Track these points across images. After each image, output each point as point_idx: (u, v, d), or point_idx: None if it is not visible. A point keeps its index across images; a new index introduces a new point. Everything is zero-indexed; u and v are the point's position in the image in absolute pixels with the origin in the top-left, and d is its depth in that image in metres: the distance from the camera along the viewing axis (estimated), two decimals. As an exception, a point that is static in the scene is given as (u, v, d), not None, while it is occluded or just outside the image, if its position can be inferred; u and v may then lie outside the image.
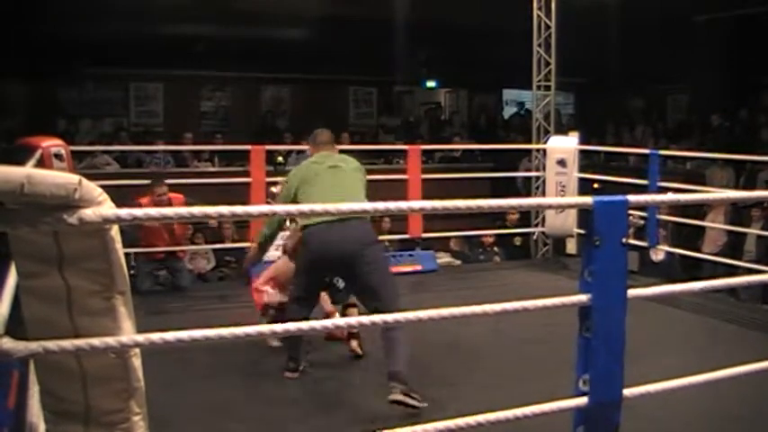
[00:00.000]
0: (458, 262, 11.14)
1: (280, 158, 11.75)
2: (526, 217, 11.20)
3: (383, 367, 4.97)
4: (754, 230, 9.93)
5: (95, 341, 2.17)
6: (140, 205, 8.05)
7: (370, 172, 9.03)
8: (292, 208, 2.79)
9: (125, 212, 2.21)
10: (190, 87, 16.71)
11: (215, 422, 4.86)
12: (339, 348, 6.10)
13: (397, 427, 2.79)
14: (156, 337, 2.39)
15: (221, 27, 14.93)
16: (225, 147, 12.99)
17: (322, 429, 4.81)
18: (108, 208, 2.13)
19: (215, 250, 10.17)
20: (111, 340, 2.20)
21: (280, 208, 2.82)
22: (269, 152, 9.38)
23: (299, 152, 13.05)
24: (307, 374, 5.65)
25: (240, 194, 8.33)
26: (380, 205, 2.75)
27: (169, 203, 8.13)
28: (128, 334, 2.25)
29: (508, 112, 20.00)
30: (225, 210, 2.50)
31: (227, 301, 7.84)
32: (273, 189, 9.79)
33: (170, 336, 2.47)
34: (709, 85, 16.05)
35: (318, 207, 2.69)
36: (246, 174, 8.83)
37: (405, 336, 5.04)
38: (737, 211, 10.84)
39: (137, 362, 2.32)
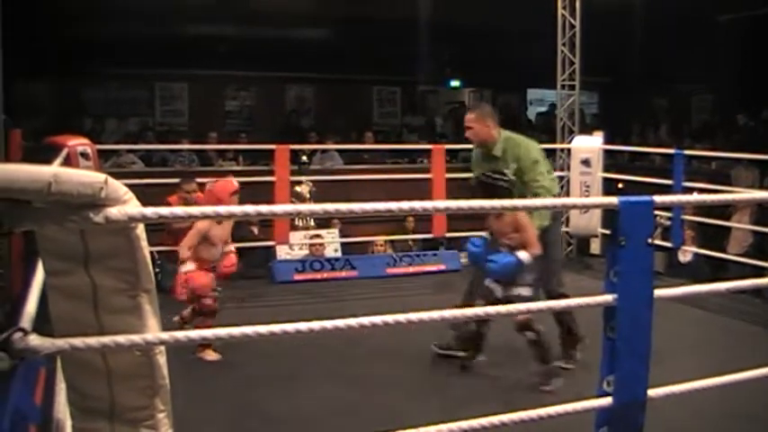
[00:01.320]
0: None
1: (304, 158, 11.79)
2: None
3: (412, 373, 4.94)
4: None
5: (121, 338, 2.18)
6: (168, 204, 8.11)
7: (394, 171, 8.99)
8: (316, 207, 2.79)
9: (151, 211, 2.22)
10: (214, 87, 16.77)
11: (237, 422, 4.88)
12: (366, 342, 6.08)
13: (420, 426, 2.79)
14: (180, 335, 2.40)
15: (245, 27, 15.00)
16: (249, 146, 13.01)
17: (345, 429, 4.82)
18: (134, 206, 2.14)
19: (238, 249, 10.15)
20: (136, 338, 2.21)
21: (303, 207, 2.82)
22: (293, 151, 9.40)
23: (324, 151, 13.08)
24: (337, 374, 5.66)
25: (265, 193, 8.34)
26: (405, 205, 2.75)
27: (196, 202, 8.17)
28: (153, 332, 2.26)
29: (532, 111, 19.95)
30: (251, 209, 2.50)
31: (251, 300, 7.86)
32: (297, 188, 9.85)
33: (194, 334, 2.48)
34: (734, 84, 15.95)
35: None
36: (271, 173, 8.85)
37: None
38: (763, 212, 10.75)
39: (162, 359, 2.33)
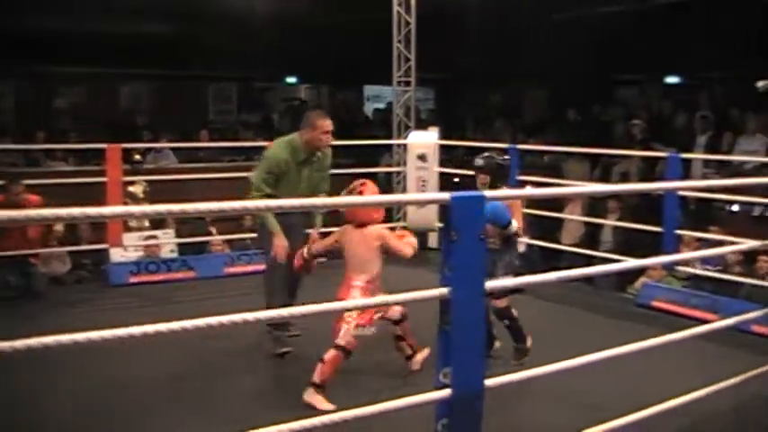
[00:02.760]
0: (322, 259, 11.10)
1: (137, 156, 11.50)
2: (388, 212, 11.26)
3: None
4: (609, 222, 10.25)
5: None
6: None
7: (229, 170, 8.81)
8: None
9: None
10: (43, 84, 16.16)
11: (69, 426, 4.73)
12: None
13: (263, 426, 2.76)
14: (5, 345, 2.30)
15: (77, 21, 14.48)
16: (79, 146, 12.58)
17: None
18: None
19: (70, 252, 9.80)
20: None
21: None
22: (125, 150, 9.13)
23: (159, 150, 12.80)
24: (177, 377, 5.55)
25: (96, 194, 8.08)
26: (238, 204, 2.72)
27: (25, 204, 7.85)
28: None
29: (369, 107, 20.13)
30: (77, 211, 2.41)
31: (83, 305, 7.62)
32: (131, 188, 9.60)
33: (20, 344, 2.37)
34: (567, 81, 16.52)
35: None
36: (102, 173, 8.56)
37: None
38: (594, 203, 11.17)
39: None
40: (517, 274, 5.42)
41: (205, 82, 18.16)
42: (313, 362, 5.02)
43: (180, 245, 10.15)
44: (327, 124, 6.17)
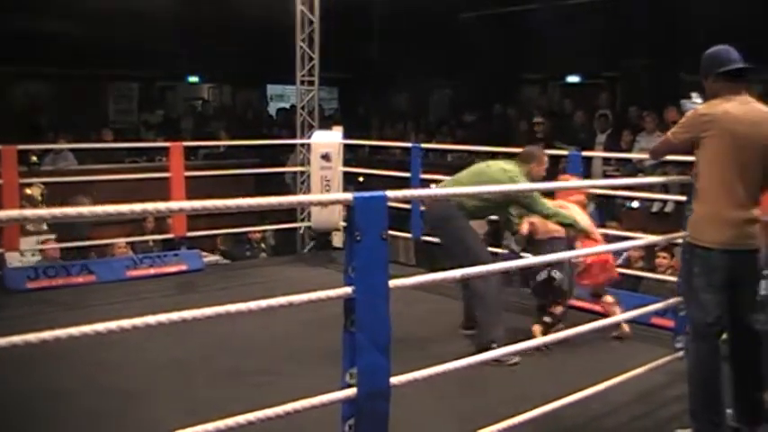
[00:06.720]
0: (226, 261, 11.02)
1: (34, 158, 11.25)
2: (292, 212, 11.21)
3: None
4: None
5: None
6: None
7: (131, 171, 8.60)
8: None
9: None
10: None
11: None
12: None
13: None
14: None
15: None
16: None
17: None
18: None
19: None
20: None
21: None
22: (22, 152, 8.87)
23: (58, 152, 12.51)
24: (90, 385, 5.42)
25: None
26: (138, 207, 2.67)
27: None
28: None
29: (273, 107, 20.05)
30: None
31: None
32: (28, 191, 9.36)
33: None
34: (472, 80, 16.70)
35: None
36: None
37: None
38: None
39: None
40: None
41: (105, 81, 17.82)
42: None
43: (80, 248, 9.92)
44: (547, 159, 6.66)
